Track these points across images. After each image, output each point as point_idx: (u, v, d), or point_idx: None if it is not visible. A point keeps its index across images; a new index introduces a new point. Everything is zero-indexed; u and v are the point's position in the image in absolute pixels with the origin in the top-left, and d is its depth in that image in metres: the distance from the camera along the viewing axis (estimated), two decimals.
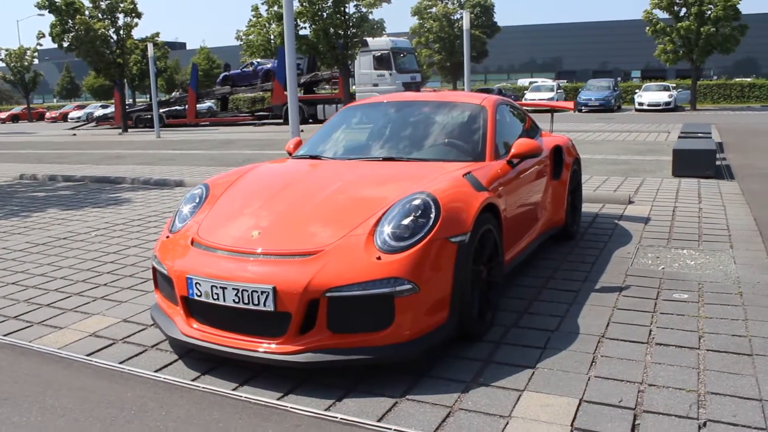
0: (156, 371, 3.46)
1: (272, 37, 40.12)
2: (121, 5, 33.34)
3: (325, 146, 5.05)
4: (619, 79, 47.31)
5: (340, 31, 30.94)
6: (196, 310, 3.48)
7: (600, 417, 2.84)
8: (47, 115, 58.57)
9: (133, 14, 33.77)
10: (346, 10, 31.08)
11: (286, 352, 3.18)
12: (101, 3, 33.11)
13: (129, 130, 33.46)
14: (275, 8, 36.90)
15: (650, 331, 3.78)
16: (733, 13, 30.66)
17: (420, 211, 3.42)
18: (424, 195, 3.52)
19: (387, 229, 3.36)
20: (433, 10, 48.42)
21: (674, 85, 37.38)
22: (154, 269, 3.87)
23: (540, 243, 5.33)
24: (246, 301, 3.22)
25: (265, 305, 3.18)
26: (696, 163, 9.62)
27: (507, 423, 2.83)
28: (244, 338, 3.30)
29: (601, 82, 36.53)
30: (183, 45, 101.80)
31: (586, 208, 7.29)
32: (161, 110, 33.41)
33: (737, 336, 3.67)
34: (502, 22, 54.22)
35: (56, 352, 3.77)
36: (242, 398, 3.14)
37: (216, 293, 3.29)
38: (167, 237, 3.89)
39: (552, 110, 7.18)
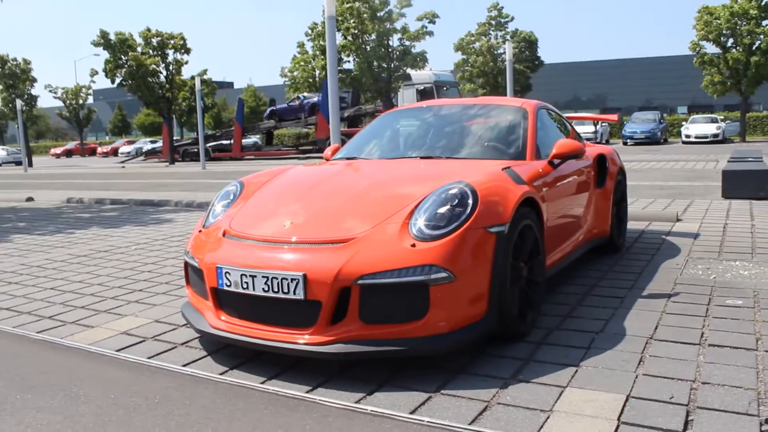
0: (184, 365, 3.37)
1: (317, 72, 40.66)
2: (171, 42, 34.41)
3: (362, 150, 4.97)
4: (665, 114, 46.55)
5: (383, 64, 31.27)
6: (225, 301, 3.39)
7: (649, 412, 2.63)
8: (99, 150, 60.48)
9: (183, 50, 34.80)
10: (390, 43, 31.44)
11: (316, 343, 3.05)
12: (152, 40, 34.26)
13: (176, 163, 34.16)
14: (320, 41, 37.52)
15: (702, 333, 3.55)
16: None
17: (457, 200, 3.29)
18: (461, 185, 3.39)
19: (422, 218, 3.23)
20: (477, 45, 48.63)
21: (722, 117, 36.56)
22: (186, 264, 3.81)
23: (583, 253, 5.13)
24: (276, 289, 3.11)
25: (294, 293, 3.07)
26: (747, 184, 9.28)
27: (548, 417, 2.64)
28: (273, 329, 3.18)
29: (646, 114, 35.86)
30: (230, 84, 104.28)
31: (632, 225, 7.05)
32: (207, 144, 34.06)
33: None
34: (547, 59, 54.26)
35: (86, 347, 3.72)
36: (269, 391, 3.02)
37: (245, 282, 3.20)
38: (200, 231, 3.84)
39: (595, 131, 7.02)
